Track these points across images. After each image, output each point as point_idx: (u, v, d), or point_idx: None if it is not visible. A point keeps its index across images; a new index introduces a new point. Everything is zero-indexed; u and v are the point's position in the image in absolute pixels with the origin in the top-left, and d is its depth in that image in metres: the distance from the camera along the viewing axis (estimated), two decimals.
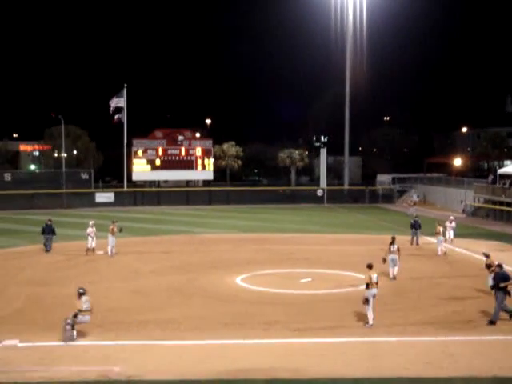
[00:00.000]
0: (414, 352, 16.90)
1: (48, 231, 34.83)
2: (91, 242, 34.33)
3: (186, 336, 18.38)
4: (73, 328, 17.87)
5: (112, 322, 20.08)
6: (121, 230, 34.41)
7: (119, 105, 70.18)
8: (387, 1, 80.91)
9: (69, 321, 17.81)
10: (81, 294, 18.29)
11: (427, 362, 15.96)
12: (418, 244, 36.95)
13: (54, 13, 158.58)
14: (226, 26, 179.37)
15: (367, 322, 19.37)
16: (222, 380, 14.81)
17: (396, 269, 27.06)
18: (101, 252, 34.06)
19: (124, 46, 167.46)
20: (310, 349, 17.26)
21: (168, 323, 19.89)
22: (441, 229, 34.42)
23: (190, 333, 18.79)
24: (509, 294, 19.95)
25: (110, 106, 70.37)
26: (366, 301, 19.43)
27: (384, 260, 25.67)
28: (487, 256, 24.34)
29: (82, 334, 18.25)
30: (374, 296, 19.60)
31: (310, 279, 27.04)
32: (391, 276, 26.87)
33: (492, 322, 19.53)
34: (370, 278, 19.58)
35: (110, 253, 33.58)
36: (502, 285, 19.78)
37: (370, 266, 20.00)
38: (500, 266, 20.49)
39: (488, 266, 23.43)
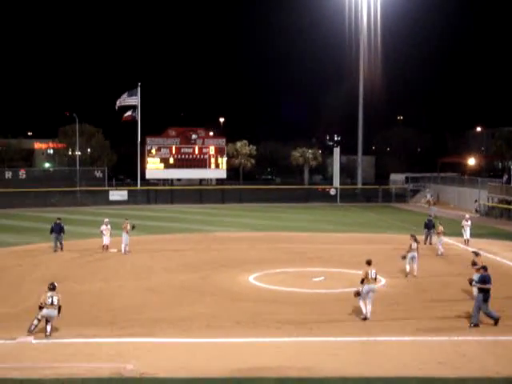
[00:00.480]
0: (427, 352, 16.86)
1: (57, 230, 34.74)
2: (106, 240, 34.47)
3: (198, 334, 18.42)
4: (38, 320, 18.13)
5: (125, 319, 20.16)
6: (133, 227, 34.51)
7: (133, 103, 70.38)
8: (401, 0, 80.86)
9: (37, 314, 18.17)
10: (49, 289, 18.43)
11: (440, 362, 15.91)
12: (431, 243, 36.81)
13: (70, 12, 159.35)
14: (240, 25, 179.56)
15: (362, 314, 20.10)
16: (233, 378, 14.83)
17: (415, 266, 27.51)
18: (114, 250, 34.20)
19: (138, 44, 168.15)
20: (322, 348, 17.25)
21: (180, 321, 19.95)
22: (442, 228, 34.07)
23: (202, 331, 18.83)
24: (485, 299, 19.58)
25: (118, 103, 70.38)
26: (357, 294, 20.23)
27: (403, 257, 27.27)
28: (476, 254, 24.15)
29: (96, 332, 18.36)
30: (372, 291, 20.18)
31: (322, 278, 27.03)
32: (408, 271, 27.44)
33: (475, 325, 19.26)
34: (367, 274, 20.12)
35: (123, 251, 33.72)
36: (478, 285, 20.02)
37: (368, 262, 20.53)
38: (485, 268, 20.33)
39: (473, 264, 23.20)
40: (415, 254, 27.55)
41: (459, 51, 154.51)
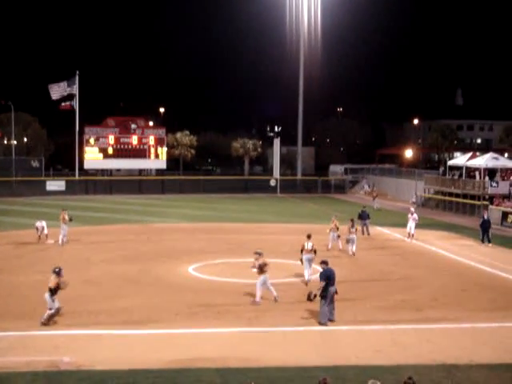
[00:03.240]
0: (363, 340, 17.15)
1: None
2: (42, 231, 33.82)
3: (138, 326, 18.28)
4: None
5: (63, 311, 19.83)
6: (71, 220, 33.96)
7: (71, 92, 69.07)
8: None
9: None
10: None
11: (377, 350, 16.20)
12: (368, 234, 37.26)
13: None
14: (181, 14, 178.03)
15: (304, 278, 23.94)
16: (172, 369, 14.78)
17: (354, 247, 30.91)
18: (51, 241, 33.59)
19: (76, 31, 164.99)
20: (261, 338, 17.36)
21: (119, 313, 19.77)
22: (337, 224, 32.17)
23: (142, 322, 18.69)
24: (315, 296, 19.16)
25: (54, 92, 68.73)
26: (301, 261, 24.16)
27: (347, 241, 30.94)
28: (259, 254, 21.86)
29: (32, 324, 18.03)
30: (309, 260, 24.06)
31: None
32: (350, 253, 30.67)
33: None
34: (303, 246, 24.23)
35: (60, 242, 33.15)
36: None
37: (308, 236, 24.50)
38: (325, 262, 19.24)
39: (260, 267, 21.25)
40: (354, 236, 31.07)
41: (398, 45, 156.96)
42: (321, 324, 18.34)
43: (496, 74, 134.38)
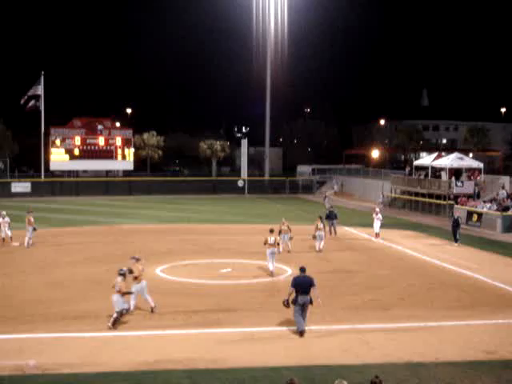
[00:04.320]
0: (331, 340, 17.21)
1: None
2: (5, 232, 33.45)
3: (104, 328, 18.12)
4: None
5: (28, 314, 19.63)
6: (34, 229, 33.28)
7: (36, 93, 68.39)
8: None
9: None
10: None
11: (344, 350, 16.28)
12: (335, 234, 37.46)
13: None
14: (147, 15, 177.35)
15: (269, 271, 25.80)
16: (140, 371, 14.69)
17: (322, 243, 32.07)
18: (16, 243, 33.21)
19: (42, 31, 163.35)
20: (229, 339, 17.32)
21: (86, 315, 19.58)
22: (288, 225, 31.47)
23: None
24: (287, 302, 17.93)
25: (25, 96, 68.41)
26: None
27: (314, 236, 32.18)
28: (136, 259, 20.58)
29: None
30: (272, 253, 25.74)
31: (229, 269, 27.12)
32: (317, 249, 31.91)
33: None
34: (267, 240, 25.79)
35: (26, 244, 32.76)
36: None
37: (271, 230, 26.15)
38: (302, 269, 18.13)
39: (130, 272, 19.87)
40: (322, 233, 32.23)
41: (364, 45, 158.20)
42: (297, 332, 17.47)
43: (461, 74, 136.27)
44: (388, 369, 14.89)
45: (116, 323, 18.08)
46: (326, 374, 14.53)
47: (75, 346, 16.51)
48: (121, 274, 18.84)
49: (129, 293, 18.92)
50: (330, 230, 37.24)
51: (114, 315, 18.13)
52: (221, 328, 18.31)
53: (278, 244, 26.66)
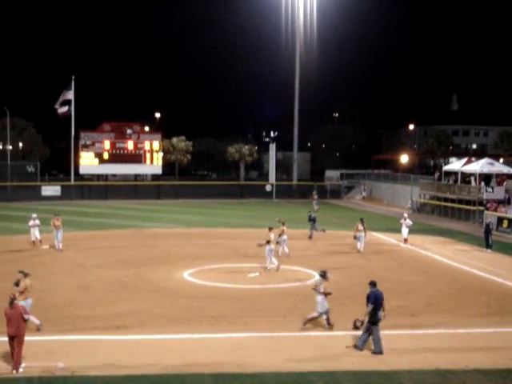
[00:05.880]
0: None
1: None
2: (35, 235, 33.80)
3: (132, 331, 18.23)
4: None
5: (57, 316, 19.82)
6: (26, 275, 33.07)
7: (68, 97, 69.09)
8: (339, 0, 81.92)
9: None
10: None
11: (372, 356, 16.15)
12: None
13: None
14: (179, 20, 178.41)
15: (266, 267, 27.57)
16: (167, 375, 14.74)
17: (363, 244, 33.10)
18: (46, 246, 33.54)
19: (73, 36, 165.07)
20: (256, 343, 17.31)
21: (114, 318, 19.70)
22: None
23: (136, 328, 18.65)
24: (362, 323, 17.28)
25: (58, 100, 69.20)
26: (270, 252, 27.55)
27: (354, 237, 33.24)
28: (24, 274, 18.75)
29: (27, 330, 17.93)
30: (270, 250, 27.56)
31: (257, 274, 27.11)
32: (358, 249, 33.06)
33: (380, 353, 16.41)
34: (269, 237, 27.58)
35: (56, 247, 33.06)
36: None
37: (270, 229, 28.19)
38: (373, 283, 16.99)
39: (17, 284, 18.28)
40: (362, 234, 33.06)
41: (394, 50, 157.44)
42: (375, 353, 16.30)
43: (491, 79, 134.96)
44: (417, 375, 14.77)
45: (308, 323, 18.52)
46: (353, 380, 14.46)
47: (103, 349, 16.61)
48: (321, 276, 18.97)
49: (329, 293, 18.61)
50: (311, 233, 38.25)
51: (315, 314, 18.47)
52: (248, 332, 18.30)
53: (277, 242, 29.31)
